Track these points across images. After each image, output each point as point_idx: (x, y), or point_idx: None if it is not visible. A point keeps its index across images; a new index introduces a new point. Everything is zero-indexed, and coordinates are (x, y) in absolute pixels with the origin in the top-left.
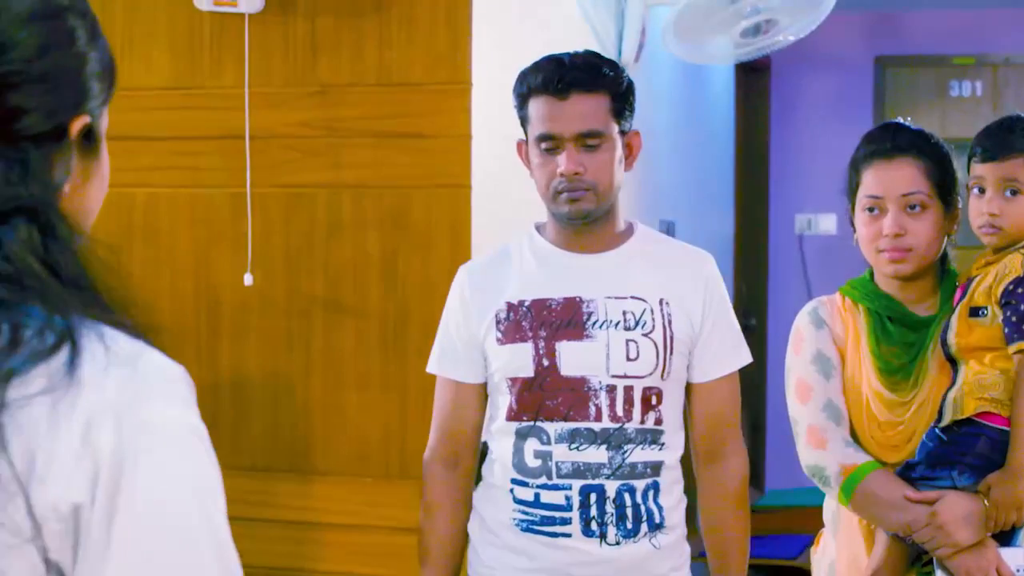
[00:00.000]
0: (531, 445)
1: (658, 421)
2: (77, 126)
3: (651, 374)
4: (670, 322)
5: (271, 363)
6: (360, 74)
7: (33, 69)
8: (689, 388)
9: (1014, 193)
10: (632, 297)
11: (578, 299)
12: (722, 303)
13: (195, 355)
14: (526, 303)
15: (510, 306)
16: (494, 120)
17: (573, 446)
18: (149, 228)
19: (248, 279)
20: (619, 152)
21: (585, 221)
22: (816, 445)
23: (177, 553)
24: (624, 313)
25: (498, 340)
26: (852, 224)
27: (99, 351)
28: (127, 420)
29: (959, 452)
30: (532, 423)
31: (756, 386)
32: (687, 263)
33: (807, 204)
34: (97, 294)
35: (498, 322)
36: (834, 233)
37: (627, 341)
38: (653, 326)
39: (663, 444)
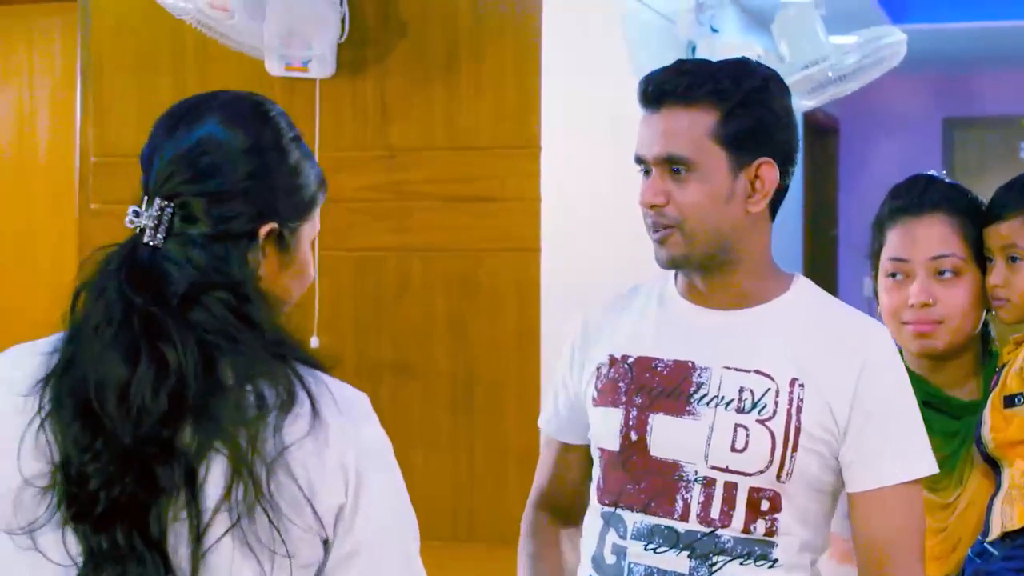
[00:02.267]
0: (611, 537)
1: (770, 532)
2: (264, 231)
3: (762, 472)
4: (799, 409)
5: None
6: (429, 138)
7: (238, 188)
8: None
9: (1014, 260)
10: (756, 372)
11: (690, 364)
12: (886, 393)
13: None
14: (630, 359)
15: (612, 360)
16: (563, 183)
17: (650, 546)
18: None
19: (314, 341)
20: (724, 186)
21: (680, 268)
22: (841, 558)
23: (393, 517)
24: (741, 390)
25: (593, 400)
26: (876, 295)
27: (326, 395)
28: (359, 444)
29: (1015, 569)
30: (613, 509)
31: None
32: (845, 337)
33: None
34: (288, 342)
35: (598, 378)
36: None
37: (736, 426)
38: (775, 412)
39: (776, 562)
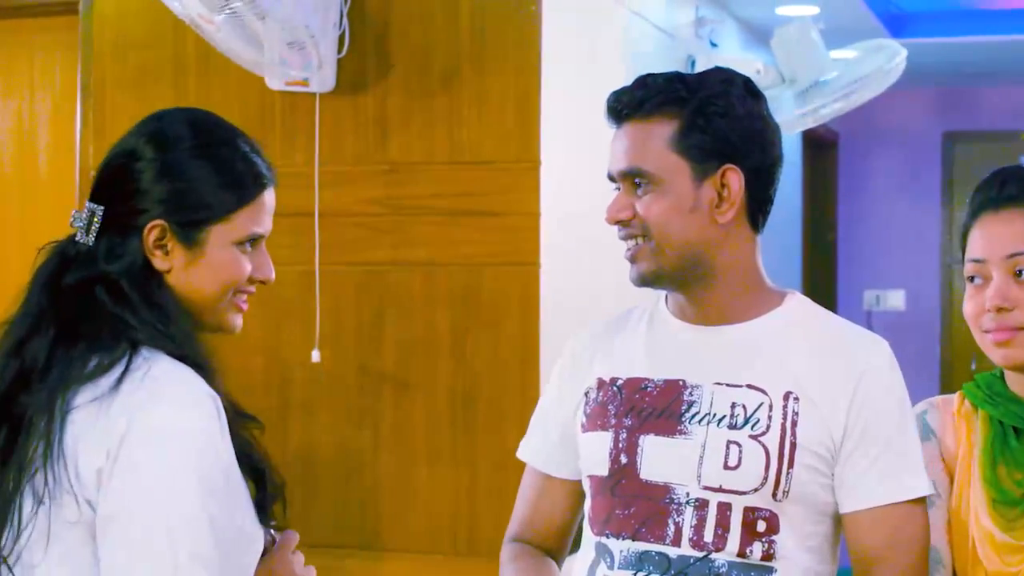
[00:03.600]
0: (601, 570)
1: (767, 556)
2: (148, 228)
3: (756, 490)
4: (794, 424)
5: (341, 439)
6: (430, 152)
7: (124, 191)
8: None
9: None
10: (749, 386)
11: (681, 383)
12: (883, 410)
13: (265, 432)
14: (619, 381)
15: (601, 383)
16: (564, 198)
17: (639, 574)
18: None
19: (315, 355)
20: (687, 196)
21: (653, 285)
22: None
23: (152, 496)
24: (733, 406)
25: (582, 426)
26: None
27: (140, 372)
28: (136, 416)
29: None
30: (601, 538)
31: None
32: (842, 349)
33: (875, 280)
34: (163, 333)
35: (587, 403)
36: (903, 309)
37: (728, 443)
38: (768, 427)
39: None
